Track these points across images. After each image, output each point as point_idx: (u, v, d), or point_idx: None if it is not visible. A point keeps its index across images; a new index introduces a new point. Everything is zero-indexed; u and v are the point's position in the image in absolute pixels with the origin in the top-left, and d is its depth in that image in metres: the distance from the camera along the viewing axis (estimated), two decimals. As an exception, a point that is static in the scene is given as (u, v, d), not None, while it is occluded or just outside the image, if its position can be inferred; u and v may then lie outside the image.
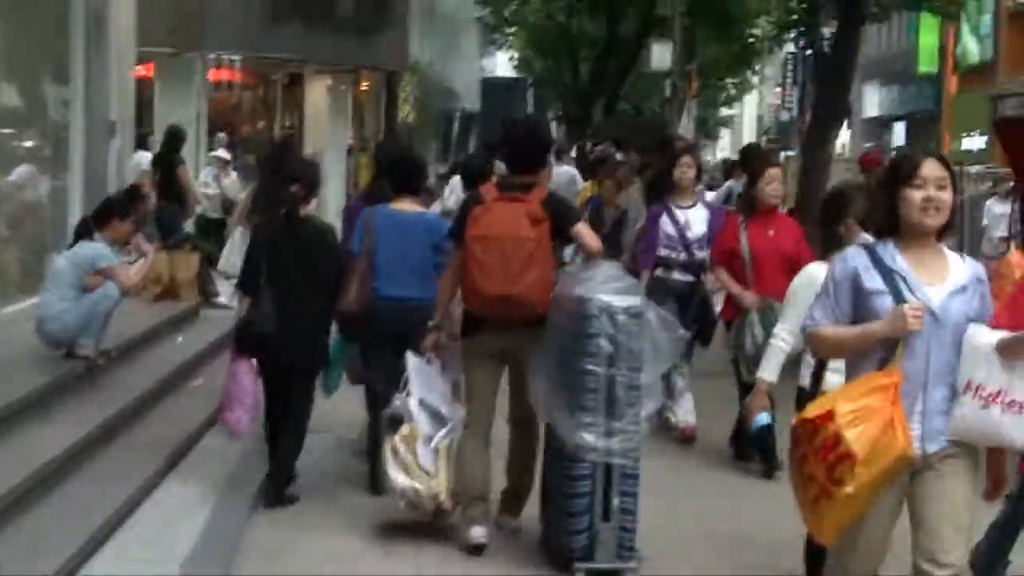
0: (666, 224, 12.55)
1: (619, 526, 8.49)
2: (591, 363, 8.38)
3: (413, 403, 9.12)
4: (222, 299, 17.54)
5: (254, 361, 10.26)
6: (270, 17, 30.24)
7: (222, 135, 27.38)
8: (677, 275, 12.69)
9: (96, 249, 11.76)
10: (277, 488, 10.22)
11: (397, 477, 8.98)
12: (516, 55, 61.23)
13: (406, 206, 10.38)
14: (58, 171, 16.18)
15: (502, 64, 68.14)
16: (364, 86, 38.28)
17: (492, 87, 59.03)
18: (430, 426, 9.10)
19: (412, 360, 9.33)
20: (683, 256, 12.56)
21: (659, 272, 12.72)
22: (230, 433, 10.72)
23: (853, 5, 16.08)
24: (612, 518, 8.45)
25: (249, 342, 10.22)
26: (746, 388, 10.28)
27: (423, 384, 9.23)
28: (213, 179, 24.23)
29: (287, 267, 10.10)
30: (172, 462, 10.94)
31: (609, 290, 8.51)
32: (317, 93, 35.12)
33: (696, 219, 12.62)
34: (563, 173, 18.94)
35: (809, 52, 60.67)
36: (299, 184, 10.50)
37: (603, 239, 10.58)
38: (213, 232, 22.41)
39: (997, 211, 17.14)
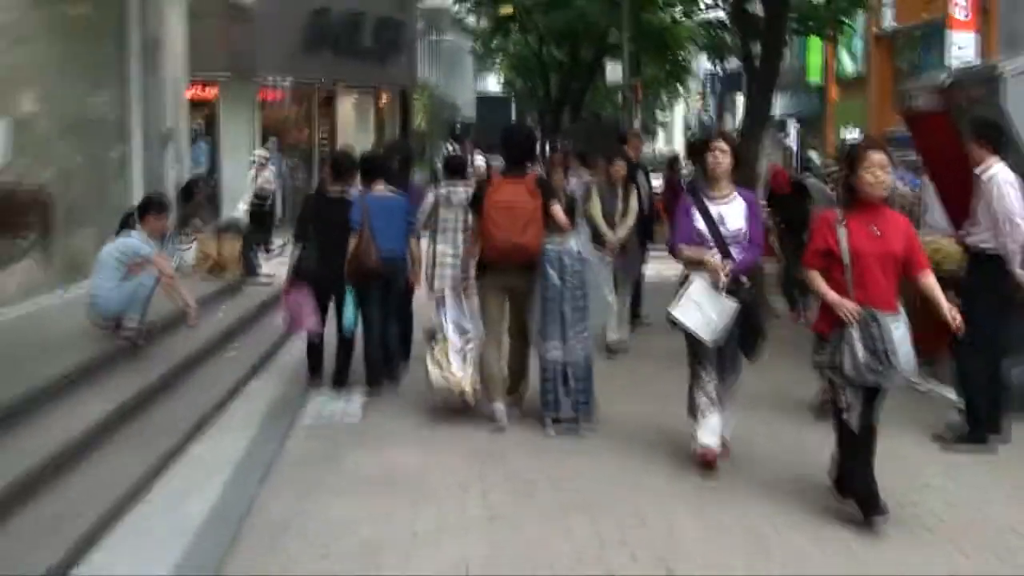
0: (696, 219, 8.21)
1: (574, 397, 9.39)
2: (549, 293, 9.35)
3: (448, 324, 9.71)
4: (262, 277, 15.89)
5: (302, 288, 10.56)
6: (308, 48, 30.23)
7: (273, 139, 27.44)
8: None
9: (137, 242, 10.18)
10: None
11: (435, 373, 9.56)
12: (502, 77, 61.79)
13: (383, 190, 10.70)
14: (122, 172, 14.69)
15: (492, 84, 68.01)
16: (383, 101, 37.52)
17: (484, 102, 60.56)
18: (458, 339, 9.64)
19: (448, 294, 10.07)
20: (716, 256, 8.18)
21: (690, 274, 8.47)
22: (297, 329, 10.90)
23: (776, 31, 15.59)
24: (569, 394, 9.38)
25: (302, 274, 10.61)
26: (842, 421, 7.17)
27: (454, 309, 9.82)
28: (253, 174, 23.31)
29: (322, 225, 10.60)
30: (200, 426, 9.20)
31: (555, 242, 9.39)
32: (346, 107, 35.38)
33: (732, 213, 8.23)
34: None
35: (722, 73, 60.35)
36: (328, 168, 11.61)
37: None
38: (257, 219, 21.36)
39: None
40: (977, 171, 8.85)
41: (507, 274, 9.41)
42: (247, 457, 8.46)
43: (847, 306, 6.96)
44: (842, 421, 7.13)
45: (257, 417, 9.67)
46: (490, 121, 35.71)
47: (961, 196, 9.49)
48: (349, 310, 10.49)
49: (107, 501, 7.07)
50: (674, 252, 8.38)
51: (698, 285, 8.02)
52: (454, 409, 9.61)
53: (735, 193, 8.30)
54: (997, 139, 8.83)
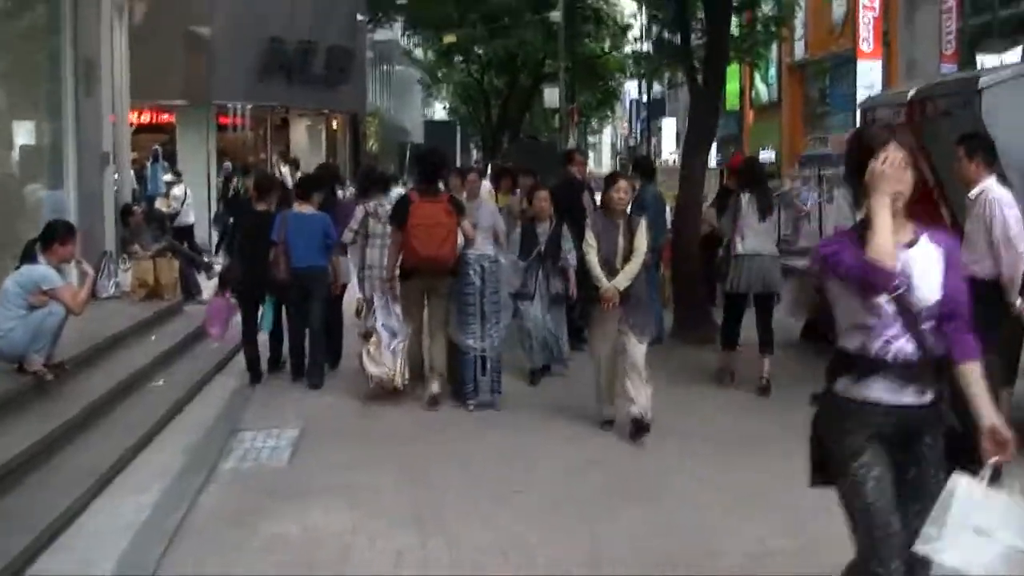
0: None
1: (490, 380, 9.69)
2: (468, 291, 9.61)
3: (378, 325, 9.67)
4: (204, 296, 13.96)
5: (228, 295, 10.72)
6: (262, 74, 28.33)
7: (227, 164, 25.76)
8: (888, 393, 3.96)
9: (41, 271, 8.24)
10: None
11: (371, 368, 9.65)
12: (447, 104, 62.37)
13: (306, 208, 10.59)
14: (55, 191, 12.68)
15: (439, 110, 68.17)
16: (334, 125, 35.53)
17: (431, 126, 58.08)
18: (388, 338, 9.64)
19: (377, 298, 9.93)
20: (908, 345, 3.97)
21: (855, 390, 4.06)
22: (210, 337, 11.06)
23: (718, 51, 14.02)
24: (487, 375, 9.68)
25: (226, 283, 10.83)
26: None
27: (383, 313, 9.75)
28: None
29: (248, 239, 10.53)
30: (107, 478, 7.22)
31: (476, 250, 9.66)
32: (300, 131, 33.88)
33: (923, 265, 3.92)
34: (484, 185, 15.80)
35: (645, 100, 59.38)
36: (255, 189, 11.29)
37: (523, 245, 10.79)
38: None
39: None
40: (971, 195, 7.16)
41: (425, 279, 9.72)
42: (152, 519, 6.53)
43: None
44: None
45: (174, 463, 7.75)
46: (438, 144, 33.61)
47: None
48: (267, 314, 10.62)
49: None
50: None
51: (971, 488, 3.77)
52: (387, 393, 9.68)
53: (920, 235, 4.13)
54: (990, 154, 7.14)
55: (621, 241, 8.58)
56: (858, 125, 11.45)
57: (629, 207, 8.86)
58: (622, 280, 8.51)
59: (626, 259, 8.57)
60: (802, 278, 13.00)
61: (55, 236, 8.34)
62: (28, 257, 8.28)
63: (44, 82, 12.41)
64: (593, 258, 8.59)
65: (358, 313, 10.73)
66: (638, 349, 8.49)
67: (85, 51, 12.50)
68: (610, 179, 8.96)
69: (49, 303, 8.08)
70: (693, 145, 13.89)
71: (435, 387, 9.66)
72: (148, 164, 24.28)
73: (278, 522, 6.50)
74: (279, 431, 8.71)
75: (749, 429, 8.80)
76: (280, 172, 24.25)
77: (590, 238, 8.66)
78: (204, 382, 10.55)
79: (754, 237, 10.07)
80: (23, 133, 12.43)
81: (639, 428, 8.38)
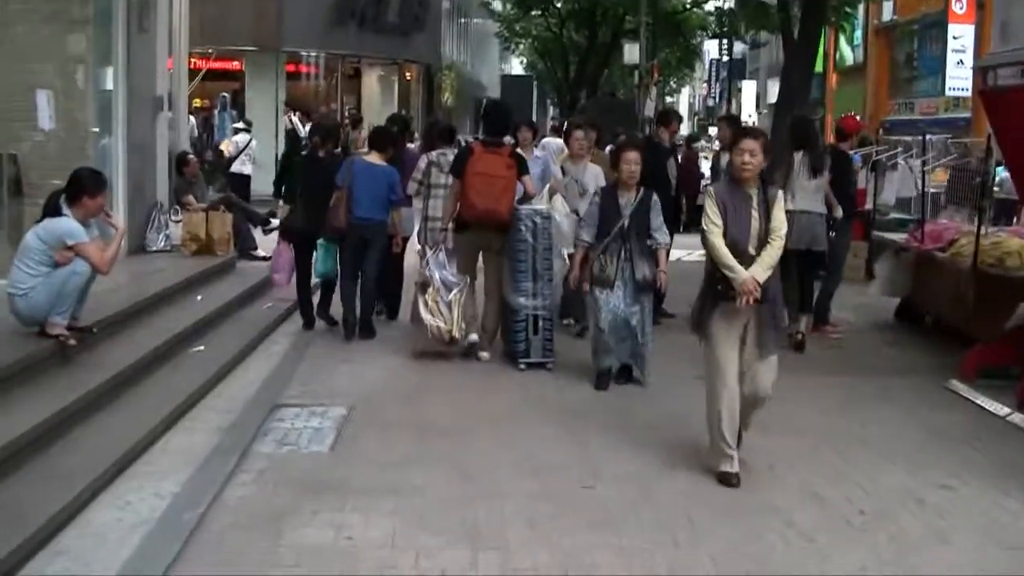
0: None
1: (542, 339, 9.35)
2: (520, 247, 9.28)
3: (435, 275, 9.48)
4: (260, 252, 13.14)
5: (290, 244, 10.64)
6: (334, 21, 27.26)
7: (296, 114, 24.28)
8: None
9: (66, 225, 7.30)
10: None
11: (427, 317, 9.42)
12: (524, 59, 62.63)
13: (375, 159, 10.35)
14: (103, 137, 11.73)
15: (515, 65, 67.27)
16: (408, 77, 34.30)
17: (508, 81, 56.77)
18: (444, 288, 9.46)
19: (429, 252, 9.70)
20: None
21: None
22: (274, 284, 11.10)
23: (816, 13, 14.46)
24: (539, 333, 9.32)
25: (287, 229, 10.71)
26: None
27: (437, 264, 9.55)
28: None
29: (310, 186, 10.42)
30: (125, 463, 6.35)
31: (528, 206, 9.44)
32: (371, 82, 32.54)
33: None
34: (553, 143, 14.89)
35: (727, 59, 58.29)
36: (317, 136, 11.16)
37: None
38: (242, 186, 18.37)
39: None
40: None
41: (481, 235, 9.51)
42: (166, 517, 5.63)
43: None
44: None
45: (204, 445, 6.88)
46: (515, 100, 32.50)
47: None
48: (319, 261, 10.57)
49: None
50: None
51: None
52: (439, 350, 9.57)
53: None
54: None
55: (755, 218, 6.43)
56: (975, 87, 10.44)
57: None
58: (759, 270, 6.32)
59: (761, 242, 6.42)
60: (898, 253, 11.95)
61: (83, 188, 7.40)
62: (52, 210, 7.38)
63: (93, 17, 11.51)
64: (719, 240, 6.40)
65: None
66: (767, 372, 6.48)
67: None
68: (734, 138, 6.88)
69: (74, 260, 7.22)
70: (785, 103, 12.82)
71: (484, 355, 9.65)
72: (216, 112, 23.63)
73: (310, 527, 5.58)
74: (324, 409, 7.87)
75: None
76: (291, 122, 23.08)
77: (713, 214, 6.45)
78: (251, 348, 9.77)
79: (803, 195, 10.18)
80: (66, 75, 11.54)
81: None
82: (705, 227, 6.46)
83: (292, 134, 22.41)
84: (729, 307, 6.38)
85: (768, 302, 6.37)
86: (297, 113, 23.65)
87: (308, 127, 20.62)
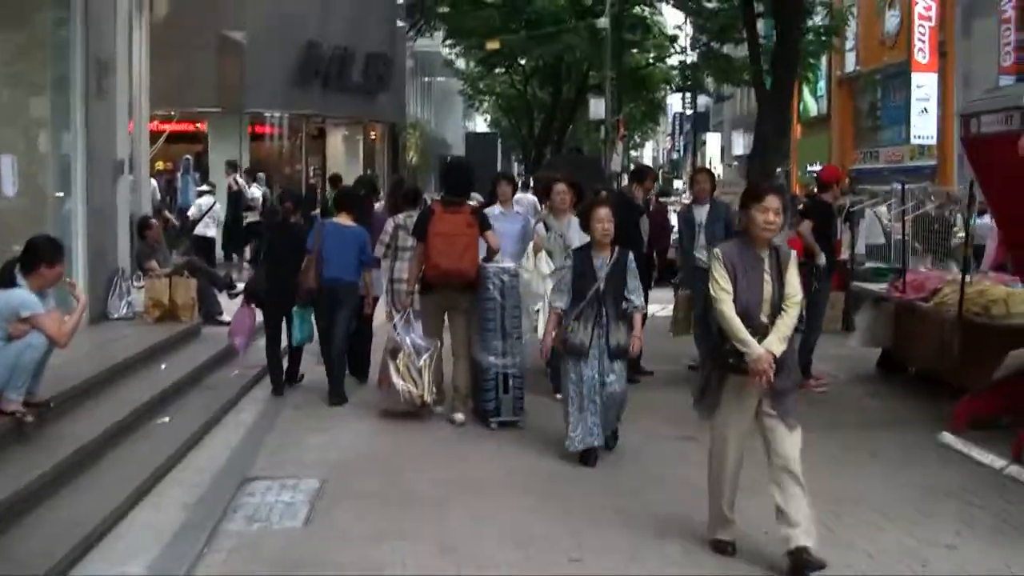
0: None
1: (512, 398, 9.26)
2: (489, 306, 9.26)
3: (405, 340, 9.41)
4: (225, 317, 12.78)
5: (253, 307, 10.63)
6: (298, 82, 26.97)
7: (261, 175, 24.20)
8: None
9: (20, 296, 6.97)
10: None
11: (399, 383, 9.33)
12: (488, 116, 63.68)
13: (344, 220, 10.44)
14: (65, 202, 11.42)
15: (480, 123, 68.44)
16: (372, 136, 34.09)
17: (473, 139, 56.78)
18: (415, 353, 9.37)
19: (397, 316, 9.71)
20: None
21: None
22: (235, 348, 10.93)
23: (787, 64, 14.30)
24: (509, 392, 9.25)
25: (253, 296, 10.60)
26: None
27: (406, 329, 9.50)
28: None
29: (279, 252, 10.43)
30: (85, 547, 5.97)
31: (494, 264, 9.43)
32: (336, 141, 32.33)
33: None
34: (525, 199, 14.72)
35: (690, 112, 58.67)
36: (289, 202, 11.36)
37: None
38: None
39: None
40: None
41: (445, 295, 9.47)
42: None
43: None
44: None
45: (170, 524, 6.53)
46: (479, 157, 32.39)
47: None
48: (296, 328, 10.42)
49: None
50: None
51: None
52: (414, 408, 9.44)
53: None
54: None
55: (768, 282, 5.86)
56: (959, 134, 10.26)
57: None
58: (775, 342, 5.75)
59: (774, 309, 5.86)
60: (877, 303, 11.77)
61: (40, 257, 7.08)
62: (7, 280, 7.04)
63: (51, 82, 11.23)
64: (730, 310, 5.78)
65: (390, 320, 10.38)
66: (792, 442, 5.87)
67: (97, 50, 11.33)
68: (755, 194, 5.98)
69: (30, 333, 6.89)
70: (758, 155, 12.70)
71: (459, 416, 9.43)
72: (179, 175, 23.30)
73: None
74: (296, 481, 7.51)
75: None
76: (236, 184, 22.26)
77: (722, 279, 5.81)
78: (218, 418, 9.38)
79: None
80: (27, 139, 11.23)
81: (805, 566, 5.68)
82: (713, 294, 5.81)
83: (236, 196, 21.82)
84: (740, 380, 5.84)
85: (784, 370, 5.82)
86: (242, 174, 23.08)
87: (277, 191, 20.34)
